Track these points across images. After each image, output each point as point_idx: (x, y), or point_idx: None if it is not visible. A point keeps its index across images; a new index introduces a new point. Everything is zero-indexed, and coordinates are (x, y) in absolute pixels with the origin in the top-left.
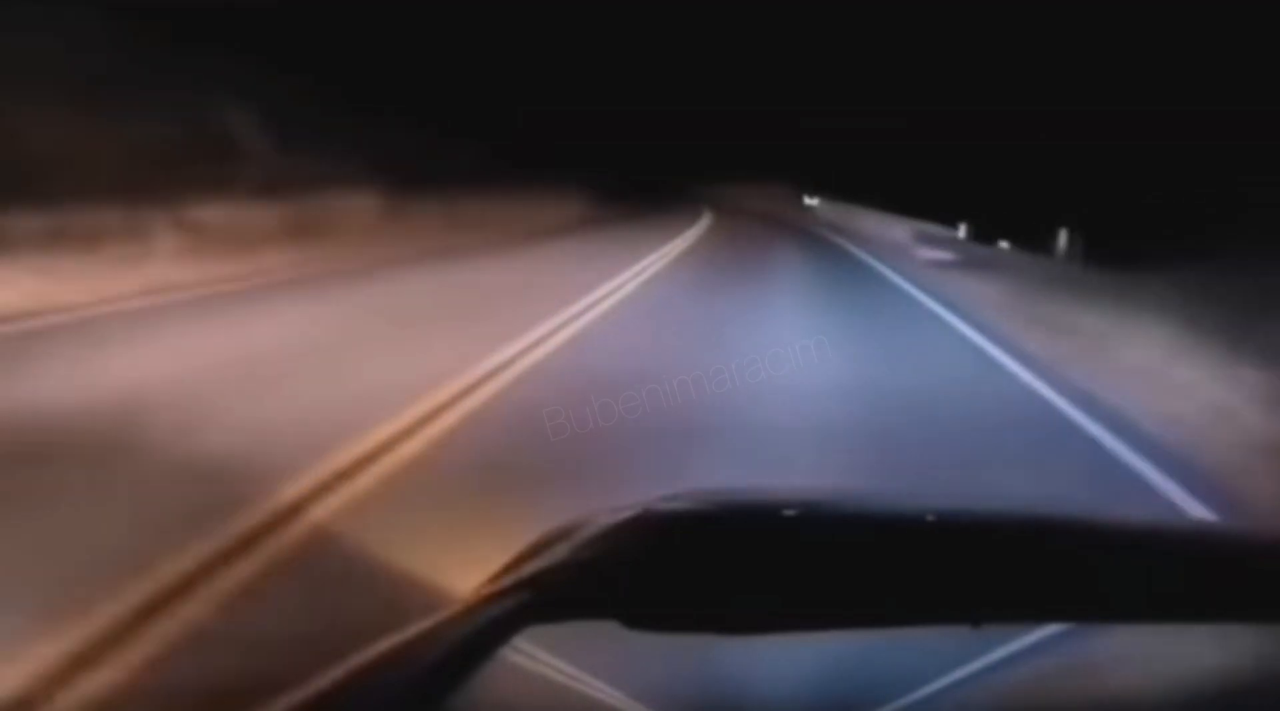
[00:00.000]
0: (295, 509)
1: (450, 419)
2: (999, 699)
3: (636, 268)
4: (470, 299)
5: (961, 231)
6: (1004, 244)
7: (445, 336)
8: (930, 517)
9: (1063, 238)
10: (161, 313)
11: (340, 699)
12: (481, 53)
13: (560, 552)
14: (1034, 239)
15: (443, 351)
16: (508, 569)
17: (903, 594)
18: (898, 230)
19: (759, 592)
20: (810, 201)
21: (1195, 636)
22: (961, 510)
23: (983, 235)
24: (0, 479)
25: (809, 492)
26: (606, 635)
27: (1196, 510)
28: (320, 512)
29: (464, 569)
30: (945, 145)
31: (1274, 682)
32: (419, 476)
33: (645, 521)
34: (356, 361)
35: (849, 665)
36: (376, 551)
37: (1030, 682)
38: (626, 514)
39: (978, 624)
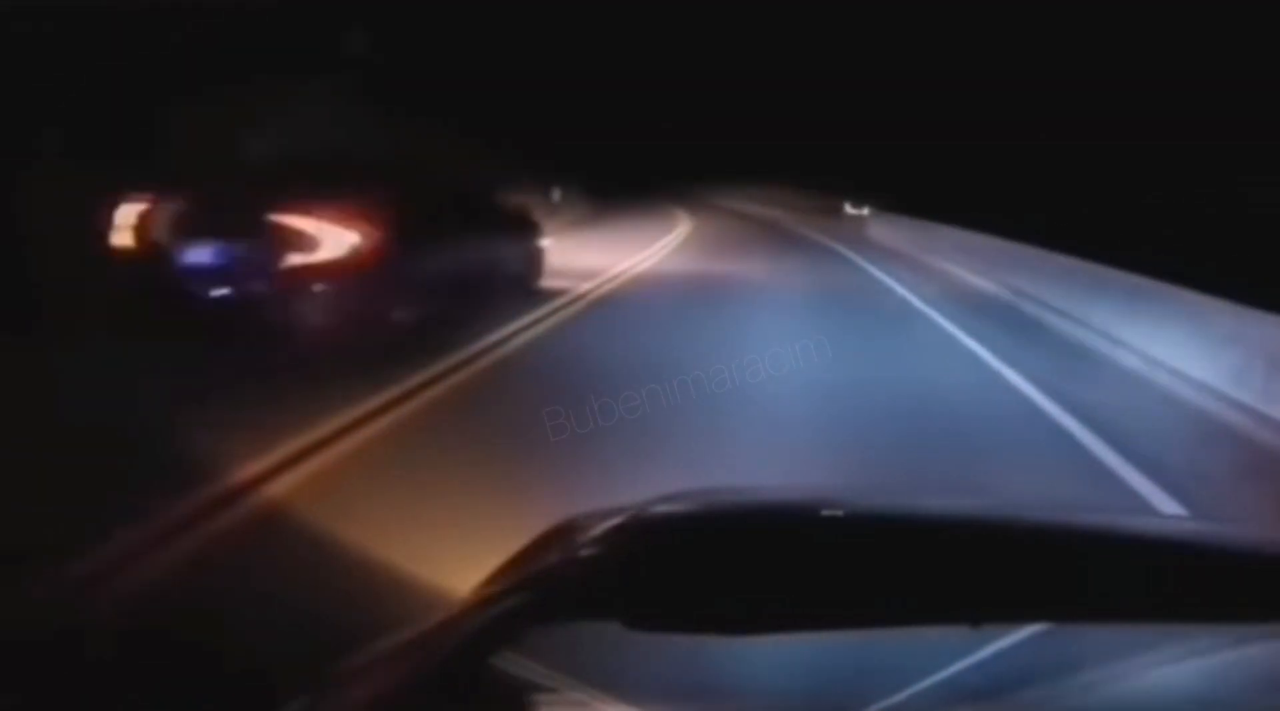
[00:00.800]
0: (610, 280)
1: (634, 269)
2: (998, 698)
3: None
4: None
5: None
6: None
7: (596, 252)
8: (929, 517)
9: None
10: None
11: (342, 699)
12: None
13: (559, 553)
14: None
15: (606, 255)
16: (506, 569)
17: (903, 594)
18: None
19: (758, 592)
20: (855, 210)
21: (1193, 636)
22: (961, 510)
23: None
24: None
25: (808, 493)
26: (606, 635)
27: None
28: (615, 282)
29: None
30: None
31: (1272, 682)
32: (635, 280)
33: (644, 521)
34: (576, 257)
35: (848, 665)
36: (634, 288)
37: (1030, 682)
38: (625, 514)
39: (978, 624)
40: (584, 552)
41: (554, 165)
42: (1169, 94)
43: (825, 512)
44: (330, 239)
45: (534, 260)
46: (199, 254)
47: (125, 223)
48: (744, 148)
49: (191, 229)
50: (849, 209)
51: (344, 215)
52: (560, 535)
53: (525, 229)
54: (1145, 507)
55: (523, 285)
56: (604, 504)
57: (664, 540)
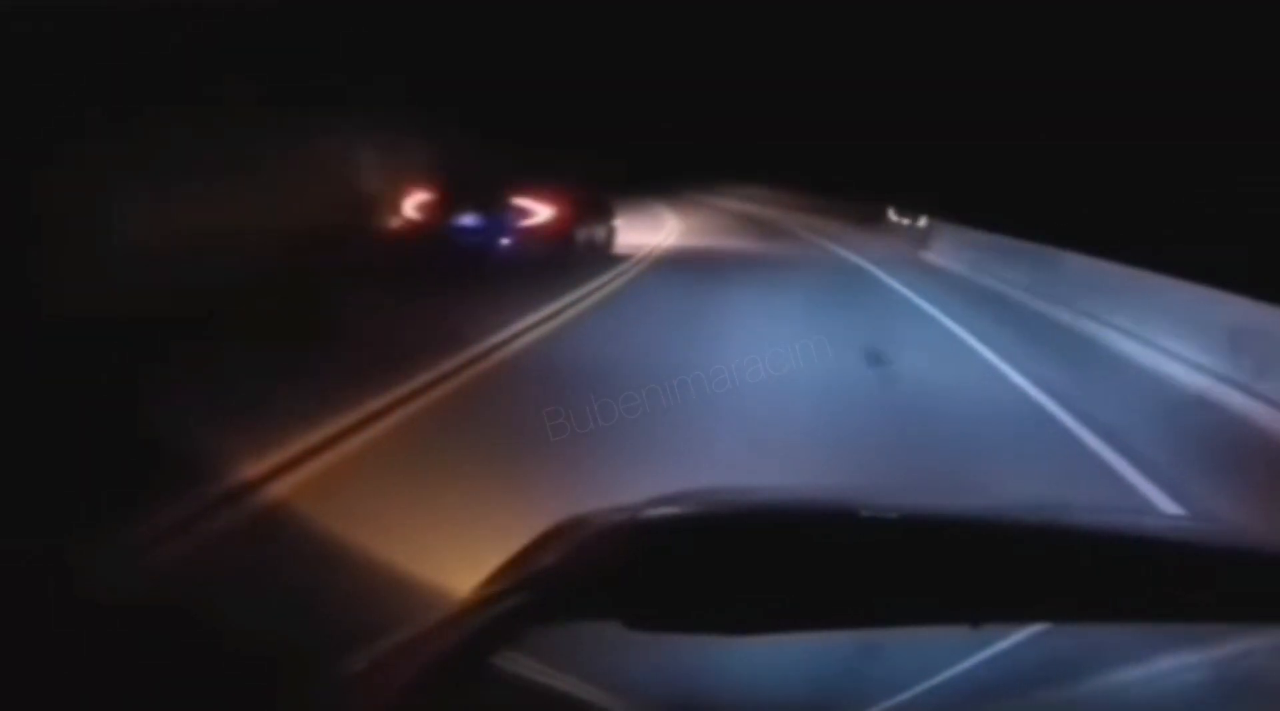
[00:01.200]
0: (651, 251)
1: (662, 245)
2: (999, 699)
3: None
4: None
5: None
6: None
7: (637, 233)
8: (930, 518)
9: None
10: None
11: (342, 698)
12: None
13: (559, 553)
14: None
15: (645, 233)
16: (506, 569)
17: (903, 594)
18: None
19: (758, 592)
20: (904, 219)
21: (1193, 636)
22: (961, 510)
23: None
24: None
25: (808, 493)
26: (606, 635)
27: None
28: (653, 253)
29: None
30: None
31: (1272, 682)
32: (666, 252)
33: (643, 522)
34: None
35: (849, 665)
36: (671, 258)
37: (1030, 682)
38: (625, 514)
39: (978, 624)
40: (583, 553)
41: (551, 165)
42: (1169, 94)
43: (824, 513)
44: (541, 211)
45: (612, 234)
46: (464, 221)
47: (416, 203)
48: (740, 147)
49: (458, 206)
50: (893, 217)
51: (547, 198)
52: (560, 535)
53: (607, 212)
54: (1145, 507)
55: (605, 251)
56: (604, 503)
57: (664, 540)
